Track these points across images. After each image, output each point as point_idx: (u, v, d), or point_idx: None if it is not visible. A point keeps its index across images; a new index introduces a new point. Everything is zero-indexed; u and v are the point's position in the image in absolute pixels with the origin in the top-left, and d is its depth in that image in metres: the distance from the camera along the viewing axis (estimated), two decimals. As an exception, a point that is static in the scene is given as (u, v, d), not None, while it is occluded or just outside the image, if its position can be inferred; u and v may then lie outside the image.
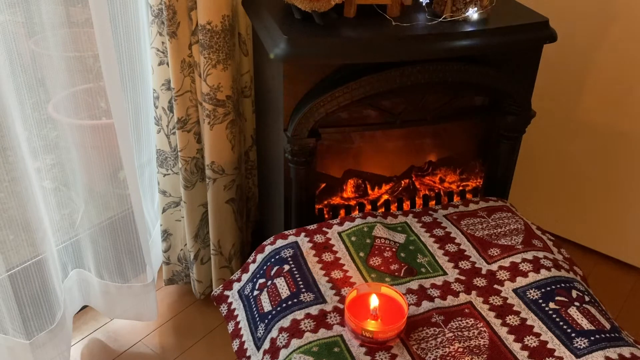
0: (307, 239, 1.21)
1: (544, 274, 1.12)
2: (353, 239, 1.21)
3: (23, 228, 1.30)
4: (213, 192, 1.51)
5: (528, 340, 1.00)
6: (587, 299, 1.08)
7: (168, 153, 1.52)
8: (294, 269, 1.14)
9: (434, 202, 1.51)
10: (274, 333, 1.03)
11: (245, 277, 1.20)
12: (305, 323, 1.02)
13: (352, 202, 1.46)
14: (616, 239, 1.92)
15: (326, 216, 1.42)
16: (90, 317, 1.66)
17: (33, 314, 1.36)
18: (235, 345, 1.11)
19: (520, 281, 1.12)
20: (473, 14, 1.24)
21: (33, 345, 1.36)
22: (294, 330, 1.01)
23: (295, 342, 0.99)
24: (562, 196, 1.96)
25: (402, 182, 1.51)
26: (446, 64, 1.23)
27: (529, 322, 1.03)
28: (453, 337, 1.00)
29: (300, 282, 1.11)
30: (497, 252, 1.18)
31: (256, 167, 1.67)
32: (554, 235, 1.29)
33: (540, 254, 1.17)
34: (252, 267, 1.21)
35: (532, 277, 1.12)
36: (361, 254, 1.18)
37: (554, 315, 1.04)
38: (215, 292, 1.23)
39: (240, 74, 1.50)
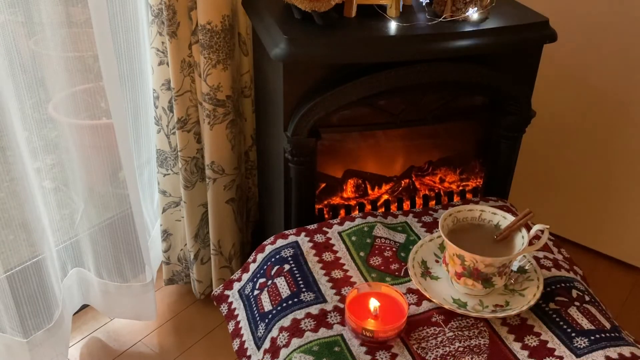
0: (308, 238, 1.21)
1: (544, 273, 1.12)
2: (353, 238, 1.21)
3: (22, 228, 1.30)
4: (213, 192, 1.51)
5: (528, 339, 1.00)
6: (587, 298, 1.08)
7: (168, 153, 1.52)
8: (294, 268, 1.14)
9: (434, 202, 1.51)
10: (274, 332, 1.03)
11: (245, 276, 1.20)
12: (305, 322, 1.02)
13: (352, 202, 1.46)
14: (616, 239, 1.92)
15: (326, 216, 1.42)
16: (90, 317, 1.66)
17: (30, 312, 1.36)
18: (235, 344, 1.11)
19: (521, 281, 1.12)
20: (473, 14, 1.24)
21: (30, 343, 1.36)
22: (295, 330, 1.01)
23: (295, 342, 0.99)
24: (562, 196, 1.96)
25: (402, 182, 1.51)
26: (446, 64, 1.23)
27: (529, 322, 1.03)
28: (453, 336, 1.00)
29: (301, 282, 1.11)
30: (497, 252, 1.18)
31: (256, 167, 1.67)
32: (554, 235, 1.29)
33: (540, 254, 1.17)
34: (253, 267, 1.21)
35: (532, 276, 1.12)
36: (361, 254, 1.18)
37: (554, 315, 1.04)
38: (216, 291, 1.23)
39: (240, 74, 1.50)
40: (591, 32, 1.70)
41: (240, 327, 1.12)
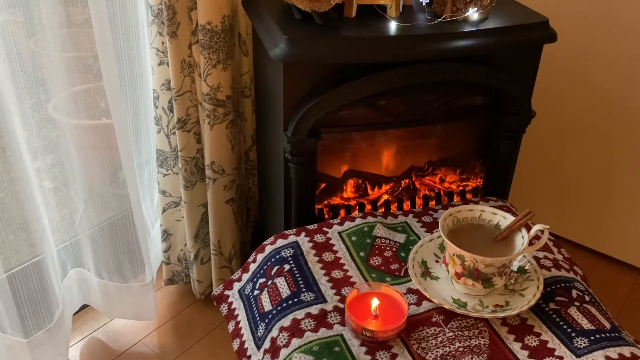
0: (308, 238, 1.21)
1: (544, 273, 1.12)
2: (353, 238, 1.21)
3: (22, 228, 1.30)
4: (213, 192, 1.51)
5: (528, 339, 1.00)
6: (587, 298, 1.08)
7: (168, 153, 1.52)
8: (294, 268, 1.14)
9: (434, 202, 1.51)
10: (274, 332, 1.03)
11: (245, 276, 1.20)
12: (305, 322, 1.02)
13: (352, 202, 1.46)
14: (616, 239, 1.92)
15: (326, 216, 1.42)
16: (90, 317, 1.66)
17: (31, 312, 1.36)
18: (235, 344, 1.11)
19: (521, 281, 1.12)
20: (473, 14, 1.24)
21: (31, 344, 1.36)
22: (295, 330, 1.01)
23: (295, 342, 0.99)
24: (562, 196, 1.96)
25: (402, 182, 1.51)
26: (446, 64, 1.23)
27: (529, 322, 1.03)
28: (453, 336, 1.00)
29: (301, 282, 1.11)
30: (497, 252, 1.18)
31: (256, 167, 1.67)
32: (554, 235, 1.29)
33: (540, 254, 1.17)
34: (253, 267, 1.21)
35: (532, 276, 1.12)
36: (361, 254, 1.18)
37: (554, 315, 1.04)
38: (216, 291, 1.23)
39: (240, 74, 1.50)
40: (591, 32, 1.70)
41: (240, 327, 1.12)
